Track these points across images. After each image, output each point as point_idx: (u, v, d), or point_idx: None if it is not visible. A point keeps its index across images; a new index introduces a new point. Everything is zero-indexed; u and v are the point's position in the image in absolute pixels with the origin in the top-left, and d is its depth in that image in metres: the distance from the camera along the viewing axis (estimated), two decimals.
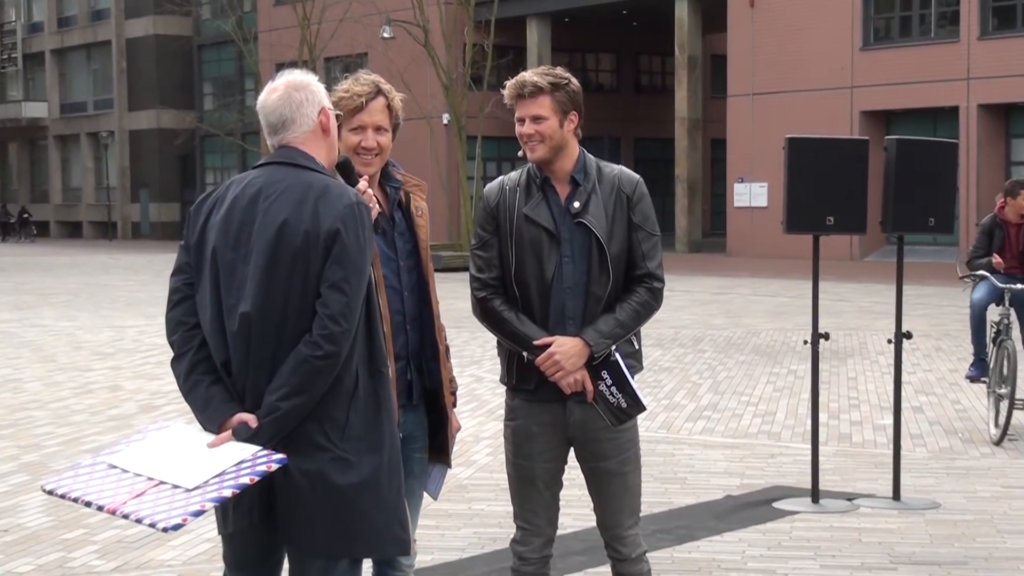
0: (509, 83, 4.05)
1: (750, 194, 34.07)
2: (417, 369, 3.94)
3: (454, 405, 4.09)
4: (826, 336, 6.99)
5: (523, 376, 4.08)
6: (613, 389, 3.99)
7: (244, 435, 3.16)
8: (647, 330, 15.86)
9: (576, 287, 4.01)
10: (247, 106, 47.94)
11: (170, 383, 11.16)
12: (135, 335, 15.93)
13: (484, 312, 4.07)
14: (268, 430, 3.15)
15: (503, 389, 4.24)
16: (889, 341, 7.28)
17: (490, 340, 14.87)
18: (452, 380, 4.06)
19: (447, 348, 4.04)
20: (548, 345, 3.97)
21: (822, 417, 9.25)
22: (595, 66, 46.68)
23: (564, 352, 3.96)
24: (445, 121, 37.90)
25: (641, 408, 4.02)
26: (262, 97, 3.38)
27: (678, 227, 36.12)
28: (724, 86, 35.91)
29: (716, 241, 38.19)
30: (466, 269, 24.38)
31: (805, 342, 7.06)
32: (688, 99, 35.83)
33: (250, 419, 3.17)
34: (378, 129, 3.88)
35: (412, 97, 32.88)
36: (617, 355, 3.99)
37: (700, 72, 36.52)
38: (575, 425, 4.08)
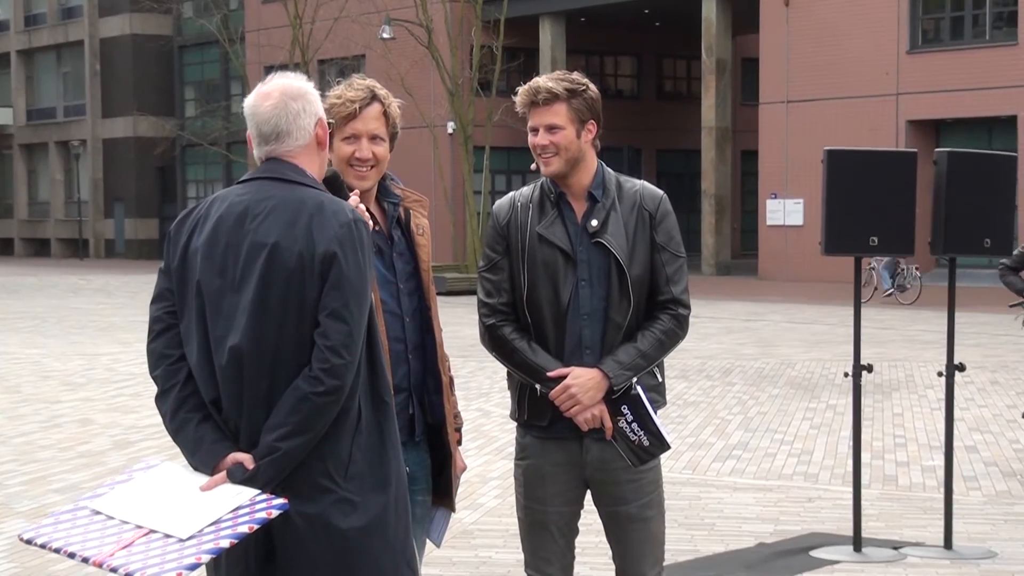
0: (522, 89, 4.07)
1: (784, 211, 34.06)
2: (419, 403, 3.94)
3: (459, 443, 4.08)
4: (869, 368, 6.97)
5: (535, 411, 4.08)
6: (634, 426, 3.98)
7: (240, 477, 3.16)
8: (670, 361, 15.84)
9: (594, 313, 4.02)
10: (233, 113, 48.11)
11: (147, 417, 11.17)
12: (108, 363, 15.95)
13: (493, 340, 4.07)
14: (266, 472, 3.15)
15: (513, 425, 4.24)
16: (940, 374, 7.26)
17: (499, 371, 14.86)
18: (457, 415, 4.06)
19: (451, 380, 4.04)
20: (563, 377, 3.98)
21: (865, 457, 9.22)
22: (613, 70, 46.80)
23: (581, 385, 3.96)
24: (450, 130, 37.99)
25: (665, 447, 4.02)
26: (252, 102, 3.36)
27: (704, 247, 36.13)
28: (756, 92, 35.97)
29: (746, 263, 38.17)
30: (472, 292, 24.45)
31: (846, 374, 7.04)
32: (716, 106, 35.89)
33: (246, 459, 3.17)
34: (374, 138, 3.88)
35: (414, 103, 33.23)
36: (639, 388, 3.99)
37: (729, 77, 36.59)
38: (592, 465, 4.07)
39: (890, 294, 26.04)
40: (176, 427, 3.27)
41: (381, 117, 3.90)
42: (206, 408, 3.25)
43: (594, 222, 4.04)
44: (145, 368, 3.39)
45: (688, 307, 4.10)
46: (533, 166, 4.12)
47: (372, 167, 3.88)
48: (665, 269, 4.06)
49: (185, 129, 50.03)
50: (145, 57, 53.90)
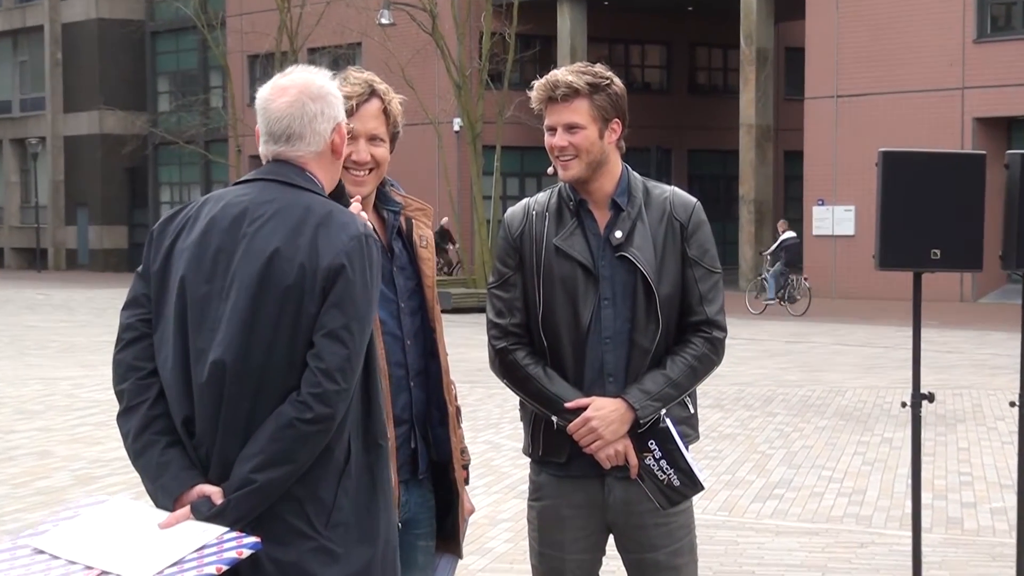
0: (538, 83, 4.07)
1: (833, 220, 34.05)
2: (422, 436, 3.93)
3: (466, 481, 4.07)
4: (930, 397, 6.94)
5: (552, 446, 4.08)
6: (663, 463, 3.98)
7: (206, 512, 3.13)
8: (703, 388, 15.79)
9: (617, 336, 4.02)
10: (212, 108, 48.33)
11: (114, 449, 11.17)
12: (69, 389, 15.97)
13: (504, 366, 4.07)
14: (238, 508, 3.12)
15: (526, 461, 4.23)
16: (1012, 404, 7.23)
17: (510, 399, 14.86)
18: (464, 451, 4.05)
19: (458, 410, 4.03)
20: (583, 408, 3.97)
21: (925, 497, 9.19)
22: (640, 60, 46.88)
23: (602, 417, 3.96)
24: (456, 128, 38.06)
25: (698, 487, 4.01)
26: (266, 95, 3.36)
27: (742, 260, 36.12)
28: (801, 86, 35.99)
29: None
30: (481, 311, 24.41)
31: (904, 404, 7.02)
32: (756, 102, 35.92)
33: (214, 492, 3.15)
34: (372, 139, 3.87)
35: (416, 98, 33.24)
36: (668, 421, 3.99)
37: (771, 68, 36.63)
38: (615, 507, 4.07)
39: (771, 303, 28.82)
40: (139, 449, 3.25)
41: (381, 115, 3.89)
42: (175, 432, 3.24)
43: (618, 233, 4.04)
44: (112, 394, 3.38)
45: (724, 329, 4.10)
46: (550, 170, 4.13)
47: (371, 171, 3.87)
48: (698, 287, 4.06)
49: (158, 126, 50.22)
50: (113, 44, 54.13)
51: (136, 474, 3.32)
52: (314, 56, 42.20)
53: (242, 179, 3.38)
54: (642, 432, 3.99)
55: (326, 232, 3.19)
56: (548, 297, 4.03)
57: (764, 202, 36.40)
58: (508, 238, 4.12)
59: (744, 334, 22.99)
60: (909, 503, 7.27)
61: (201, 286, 3.22)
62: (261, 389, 3.16)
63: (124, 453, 3.35)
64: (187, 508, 3.15)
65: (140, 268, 3.36)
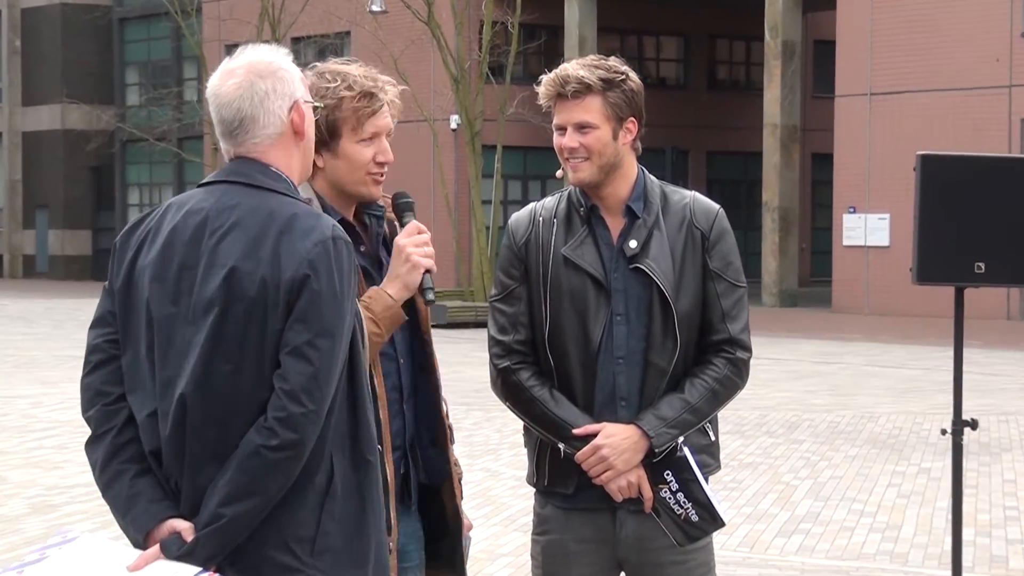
0: (546, 78, 4.08)
1: (865, 229, 34.04)
2: (412, 460, 3.94)
3: (460, 496, 4.07)
4: (973, 424, 6.93)
5: (558, 475, 4.08)
6: (680, 496, 3.97)
7: (176, 551, 3.14)
8: (723, 413, 15.77)
9: (631, 356, 4.02)
10: (186, 101, 48.32)
11: (75, 474, 11.15)
12: (26, 408, 15.94)
13: (507, 387, 4.07)
14: (207, 545, 3.13)
15: (529, 491, 4.23)
16: None
17: (511, 423, 14.84)
18: (456, 463, 4.05)
19: (451, 431, 4.03)
20: (593, 435, 3.96)
21: (966, 534, 9.17)
22: (655, 53, 46.93)
23: (614, 445, 3.95)
24: (453, 125, 38.06)
25: (718, 523, 4.01)
26: (215, 82, 3.37)
27: (766, 273, 36.12)
28: (831, 82, 36.01)
29: (818, 292, 38.13)
30: (478, 325, 24.52)
31: (943, 431, 7.01)
32: (782, 99, 35.94)
33: (184, 529, 3.16)
34: (388, 135, 3.95)
35: (410, 93, 32.88)
36: (685, 450, 3.98)
37: (798, 63, 36.65)
38: (628, 543, 4.07)
39: None
40: (107, 480, 3.27)
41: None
42: (146, 460, 3.25)
43: (632, 243, 4.04)
44: (73, 414, 3.39)
45: (749, 349, 4.11)
46: (559, 173, 4.13)
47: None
48: (720, 302, 4.06)
49: (126, 121, 50.21)
50: (77, 31, 54.18)
51: (99, 501, 3.32)
52: (299, 46, 42.20)
53: (205, 180, 3.38)
54: (657, 462, 3.98)
55: (288, 240, 3.18)
56: (555, 312, 4.03)
57: (789, 209, 36.40)
58: (512, 246, 4.12)
59: (767, 353, 22.98)
60: (949, 540, 7.25)
61: (166, 307, 3.24)
62: (230, 415, 3.16)
63: (85, 479, 3.36)
64: (157, 547, 3.16)
65: (107, 283, 3.38)
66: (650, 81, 44.98)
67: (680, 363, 4.03)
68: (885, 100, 33.90)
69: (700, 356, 4.08)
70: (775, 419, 15.52)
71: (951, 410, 6.98)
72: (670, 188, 4.18)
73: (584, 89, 4.02)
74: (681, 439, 4.00)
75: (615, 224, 4.09)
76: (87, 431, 3.37)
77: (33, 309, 35.58)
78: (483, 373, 4.16)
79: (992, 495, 11.13)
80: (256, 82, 3.32)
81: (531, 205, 4.21)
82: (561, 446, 4.02)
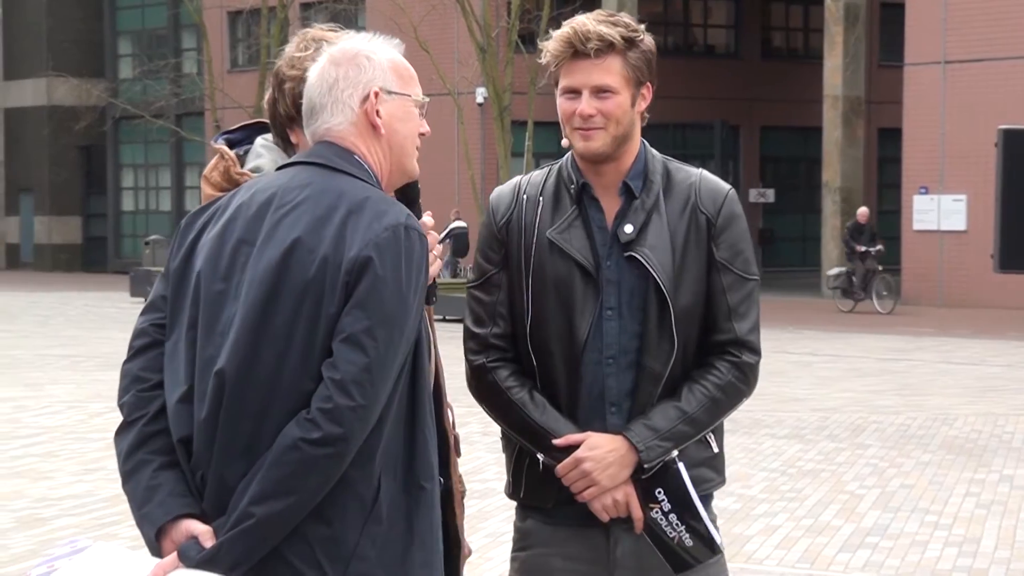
0: (559, 33, 3.94)
1: (939, 212, 33.98)
2: None
3: (462, 515, 4.03)
4: None
5: (535, 489, 4.01)
6: (672, 517, 3.89)
7: (195, 557, 3.15)
8: (777, 415, 15.78)
9: (622, 356, 3.94)
10: (184, 74, 48.45)
11: (65, 485, 11.17)
12: (10, 412, 15.94)
13: (482, 388, 4.01)
14: (232, 550, 3.13)
15: (512, 504, 4.15)
16: None
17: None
18: (460, 480, 4.02)
19: (456, 439, 3.98)
20: (576, 446, 3.89)
21: None
22: (702, 18, 46.88)
23: (597, 459, 3.87)
24: (480, 99, 38.11)
25: (714, 551, 3.92)
26: (309, 68, 3.46)
27: (826, 260, 36.05)
28: (899, 50, 35.91)
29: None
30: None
31: None
32: (844, 69, 35.87)
33: (202, 533, 3.18)
34: None
35: (431, 63, 33.22)
36: (680, 465, 3.89)
37: (863, 28, 36.56)
38: (624, 564, 3.98)
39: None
40: (130, 469, 3.30)
41: None
42: (174, 452, 3.28)
43: (628, 228, 3.93)
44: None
45: (758, 352, 3.98)
46: (565, 142, 4.01)
47: None
48: (727, 297, 3.95)
49: (119, 96, 50.44)
50: None
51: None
52: (308, 13, 42.31)
53: (285, 163, 3.47)
54: (647, 478, 3.89)
55: (356, 220, 3.22)
56: (538, 303, 3.93)
57: (853, 190, 36.34)
58: (492, 226, 4.01)
59: (828, 350, 22.89)
60: None
61: (216, 283, 3.28)
62: (270, 405, 3.18)
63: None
64: (175, 556, 3.17)
65: (165, 267, 3.44)
66: (697, 49, 45.01)
67: (678, 366, 3.93)
68: (961, 69, 33.79)
69: (702, 358, 3.97)
70: (838, 421, 15.47)
71: None
72: (675, 165, 4.04)
73: (606, 48, 3.89)
74: (676, 453, 3.91)
75: (610, 205, 3.97)
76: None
77: (15, 303, 35.74)
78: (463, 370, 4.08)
79: None
80: (329, 69, 3.39)
81: (515, 179, 4.09)
82: (540, 456, 3.93)
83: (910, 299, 33.96)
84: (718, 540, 3.93)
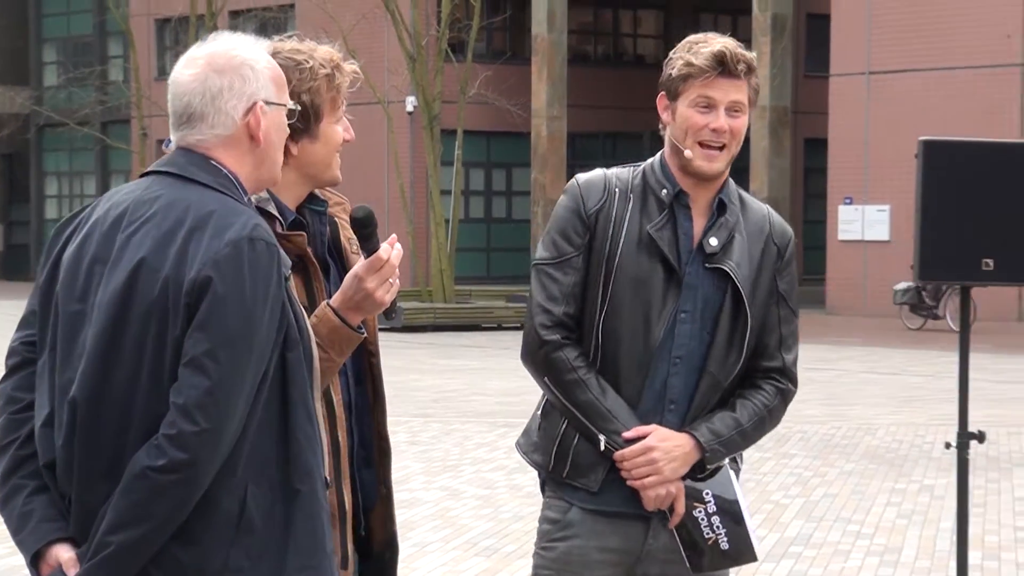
0: (706, 50, 4.10)
1: (863, 222, 34.15)
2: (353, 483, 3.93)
3: (394, 521, 4.05)
4: (980, 436, 6.97)
5: (583, 468, 4.08)
6: (715, 520, 4.01)
7: None
8: None
9: (689, 359, 4.08)
10: (110, 82, 48.12)
11: None
12: None
13: (550, 363, 4.07)
14: None
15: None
16: (947, 445, 7.27)
17: (472, 437, 14.90)
18: (388, 486, 4.04)
19: (388, 448, 4.02)
20: (640, 438, 4.00)
21: (973, 557, 9.18)
22: (632, 28, 46.92)
23: (666, 450, 4.01)
24: (410, 108, 38.00)
25: (751, 556, 4.07)
26: (176, 68, 3.35)
27: None
28: (825, 61, 36.10)
29: (810, 291, 38.14)
30: (436, 328, 24.37)
31: (948, 445, 7.05)
32: (771, 79, 36.01)
33: (67, 562, 3.16)
34: None
35: (362, 72, 32.59)
36: (732, 473, 4.04)
37: (789, 40, 36.73)
38: (654, 556, 4.11)
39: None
40: (5, 495, 3.27)
41: None
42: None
43: (713, 240, 4.09)
44: None
45: (796, 385, 4.24)
46: (688, 153, 4.09)
47: None
48: (780, 328, 4.17)
49: (43, 103, 49.94)
50: None
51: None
52: (237, 20, 42.09)
53: (144, 171, 3.37)
54: (701, 478, 4.02)
55: (199, 237, 3.14)
56: (617, 296, 4.06)
57: (780, 200, 36.41)
58: (580, 212, 4.12)
59: None
60: (954, 564, 7.30)
61: (73, 304, 3.23)
62: (127, 429, 3.13)
63: None
64: None
65: (36, 279, 3.39)
66: (626, 59, 45.06)
67: (736, 379, 4.12)
68: (885, 80, 33.99)
69: (749, 380, 4.16)
70: None
71: (956, 421, 7.02)
72: (746, 194, 4.27)
73: (747, 71, 4.11)
74: (727, 460, 4.07)
75: (699, 217, 4.13)
76: None
77: None
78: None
79: (1001, 514, 11.15)
80: (211, 77, 3.29)
81: (600, 171, 4.20)
82: (601, 438, 4.02)
83: (835, 309, 34.15)
84: (757, 548, 4.06)
